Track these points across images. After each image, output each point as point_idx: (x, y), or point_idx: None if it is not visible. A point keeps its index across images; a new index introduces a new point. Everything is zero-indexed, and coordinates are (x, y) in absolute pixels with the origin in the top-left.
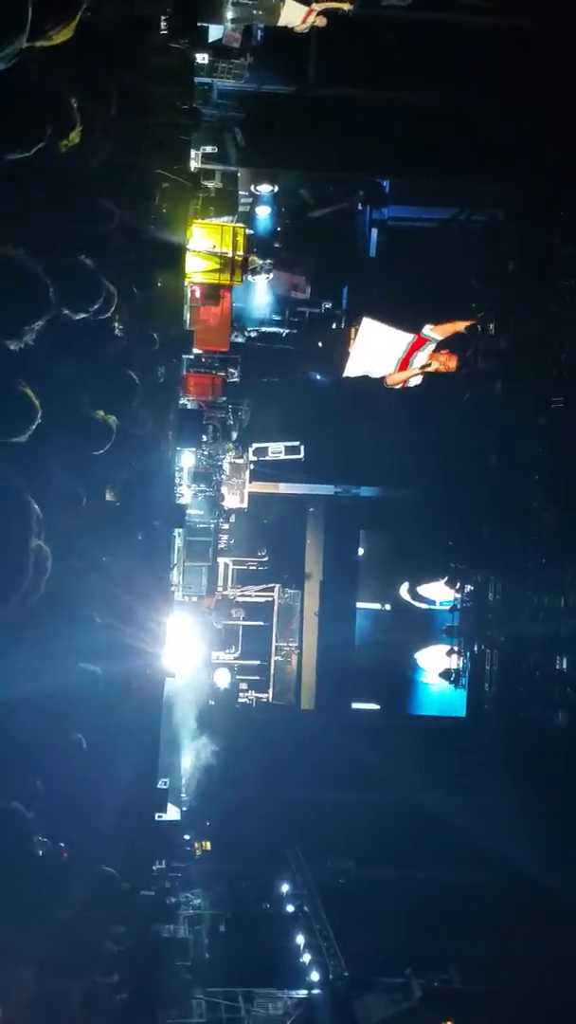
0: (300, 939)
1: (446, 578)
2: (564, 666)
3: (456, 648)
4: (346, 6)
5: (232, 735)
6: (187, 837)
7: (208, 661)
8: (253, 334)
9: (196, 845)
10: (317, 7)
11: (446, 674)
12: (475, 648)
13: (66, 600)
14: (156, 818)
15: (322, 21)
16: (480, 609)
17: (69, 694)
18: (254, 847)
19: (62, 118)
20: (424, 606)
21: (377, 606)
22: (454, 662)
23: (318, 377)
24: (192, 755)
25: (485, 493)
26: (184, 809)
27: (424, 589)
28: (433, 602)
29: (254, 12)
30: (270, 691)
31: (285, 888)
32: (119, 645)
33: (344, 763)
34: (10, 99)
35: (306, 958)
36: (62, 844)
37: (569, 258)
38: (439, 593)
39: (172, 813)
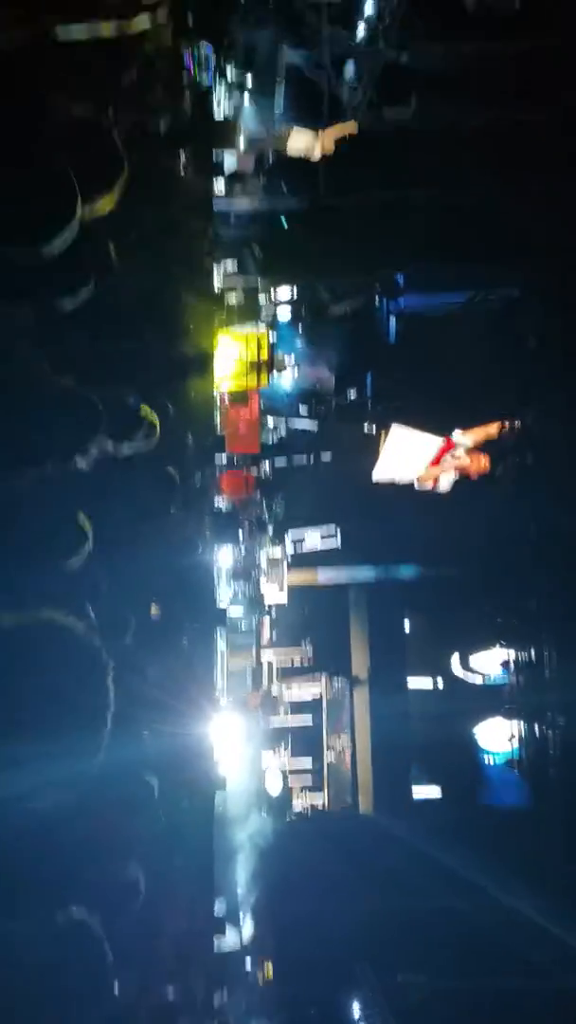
0: None
1: (497, 646)
2: None
3: (515, 732)
4: (351, 129)
5: (289, 846)
6: (248, 963)
7: (258, 765)
8: (283, 431)
9: (258, 972)
10: (324, 136)
11: (510, 763)
12: (535, 730)
13: (117, 719)
14: (215, 947)
15: (330, 147)
16: (536, 688)
17: (123, 818)
18: (320, 967)
19: (104, 265)
20: (478, 678)
21: (429, 682)
22: (514, 745)
23: (349, 469)
24: (248, 873)
25: (528, 565)
26: (243, 933)
27: (476, 660)
28: (487, 674)
29: (265, 141)
30: (325, 795)
31: (356, 1010)
32: (168, 760)
33: (409, 867)
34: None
35: None
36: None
37: None
38: (492, 664)
39: (231, 939)
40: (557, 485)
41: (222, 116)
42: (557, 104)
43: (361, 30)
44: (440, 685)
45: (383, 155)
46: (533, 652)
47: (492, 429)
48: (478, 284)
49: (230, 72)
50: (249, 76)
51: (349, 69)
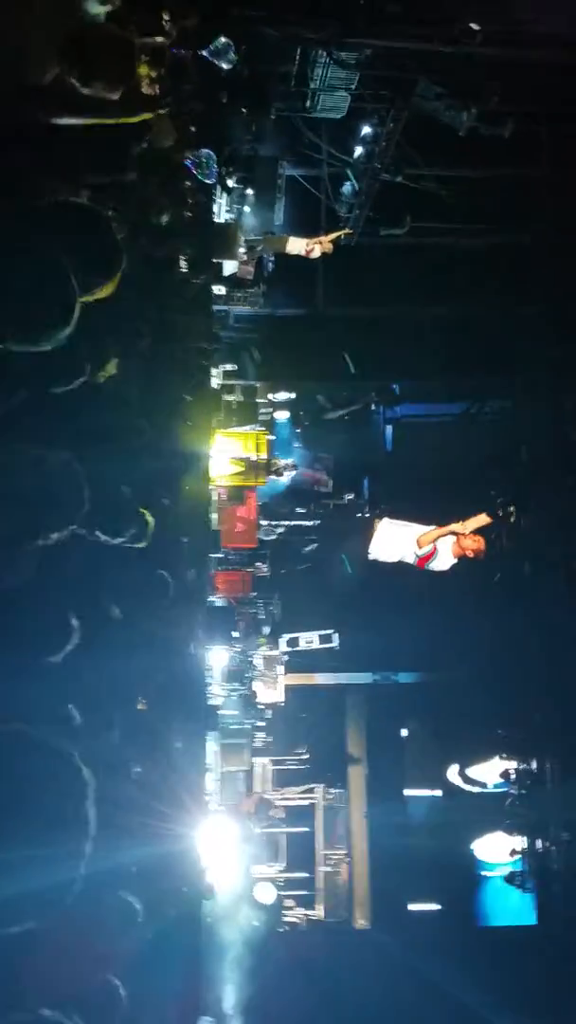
0: None
1: (497, 758)
2: None
3: (518, 848)
4: (345, 232)
5: (281, 961)
6: None
7: (249, 874)
8: (281, 529)
9: None
10: (324, 239)
11: (511, 878)
12: (538, 845)
13: (100, 822)
14: None
15: (329, 248)
16: (539, 801)
17: (103, 929)
18: None
19: (100, 357)
20: (476, 789)
21: (427, 792)
22: (517, 862)
23: (347, 565)
24: (237, 988)
25: (531, 676)
26: None
27: (474, 771)
28: (485, 784)
29: (263, 245)
30: (320, 907)
31: None
32: (153, 868)
33: (410, 988)
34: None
35: None
36: None
37: None
38: (490, 775)
39: None
40: (555, 595)
41: (223, 221)
42: (543, 227)
43: (358, 151)
44: (439, 795)
45: (380, 270)
46: (535, 764)
47: (484, 520)
48: (472, 396)
49: (230, 181)
50: (249, 189)
51: (346, 186)
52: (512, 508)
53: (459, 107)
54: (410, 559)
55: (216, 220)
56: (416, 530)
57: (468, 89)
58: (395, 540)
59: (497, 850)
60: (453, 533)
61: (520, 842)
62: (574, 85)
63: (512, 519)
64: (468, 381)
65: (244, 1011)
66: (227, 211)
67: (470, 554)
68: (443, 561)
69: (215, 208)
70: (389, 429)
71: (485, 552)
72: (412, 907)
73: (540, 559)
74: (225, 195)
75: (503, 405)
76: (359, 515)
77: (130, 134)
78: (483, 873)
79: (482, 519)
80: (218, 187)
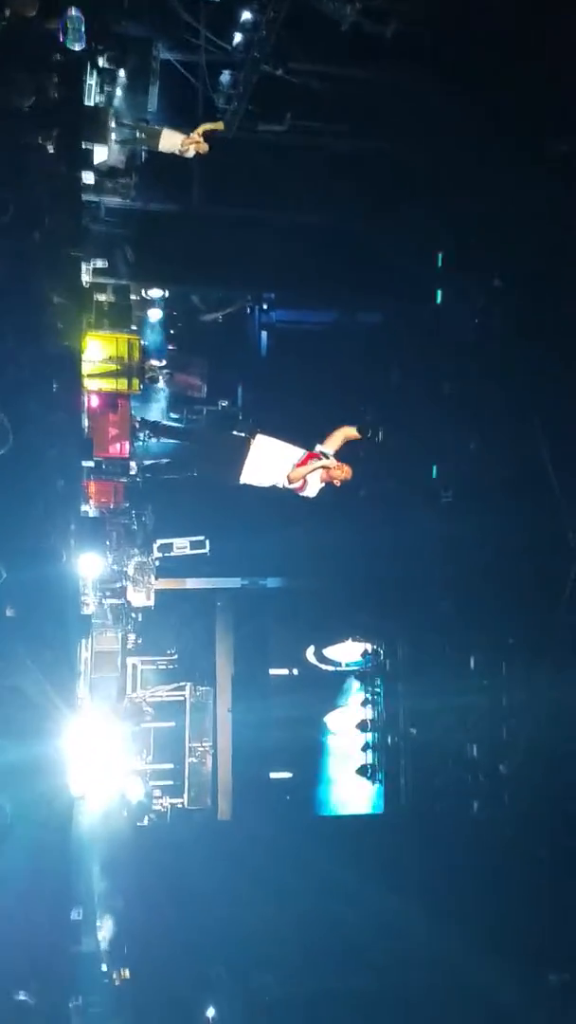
0: None
1: (350, 640)
2: (475, 754)
3: (371, 743)
4: (220, 126)
5: (147, 850)
6: (104, 967)
7: (119, 770)
8: (153, 438)
9: (115, 975)
10: (196, 133)
11: (363, 770)
12: (388, 740)
13: None
14: (70, 951)
15: (204, 148)
16: (391, 700)
17: None
18: (176, 970)
19: None
20: (331, 668)
21: (285, 672)
22: (369, 757)
23: (219, 477)
24: (105, 877)
25: (388, 587)
26: (100, 937)
27: (330, 651)
28: (339, 663)
29: (137, 136)
30: (185, 796)
31: (211, 1012)
32: (23, 772)
33: (264, 872)
34: None
35: None
36: None
37: (448, 366)
38: (345, 654)
39: (87, 944)
40: (414, 511)
41: (93, 103)
42: (422, 135)
43: (237, 38)
44: (295, 672)
45: (257, 168)
46: (389, 667)
47: (350, 432)
48: (344, 307)
49: (101, 61)
50: (121, 71)
51: (225, 75)
52: (380, 430)
53: None
54: (281, 485)
55: (87, 99)
56: (289, 453)
57: None
58: (268, 465)
59: (345, 720)
60: (324, 468)
61: (372, 738)
62: None
63: (380, 438)
64: (340, 292)
65: (112, 901)
66: (97, 93)
67: (337, 483)
68: (312, 490)
69: (85, 89)
70: (264, 335)
71: (351, 479)
72: (273, 775)
73: (403, 476)
74: (95, 75)
75: (372, 319)
76: (233, 432)
77: None
78: (328, 741)
79: (344, 433)
80: (88, 66)
